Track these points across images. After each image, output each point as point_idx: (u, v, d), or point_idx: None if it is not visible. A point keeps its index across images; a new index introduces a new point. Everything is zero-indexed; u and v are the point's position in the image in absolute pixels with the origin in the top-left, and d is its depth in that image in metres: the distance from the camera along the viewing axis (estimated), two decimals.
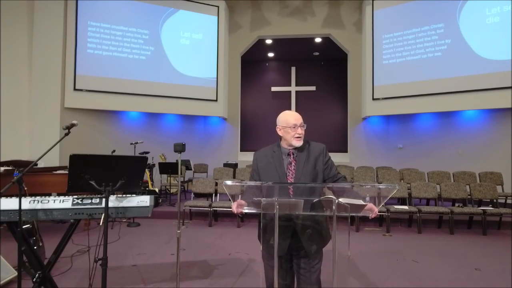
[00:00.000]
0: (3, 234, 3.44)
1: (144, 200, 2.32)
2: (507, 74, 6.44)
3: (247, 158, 9.16)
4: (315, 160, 1.91)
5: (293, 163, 1.91)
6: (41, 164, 5.42)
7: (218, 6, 8.67)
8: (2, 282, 2.86)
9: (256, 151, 2.03)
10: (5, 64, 6.56)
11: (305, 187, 1.83)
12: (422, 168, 7.15)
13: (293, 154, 1.92)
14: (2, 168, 4.16)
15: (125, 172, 2.21)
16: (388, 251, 4.24)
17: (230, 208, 1.90)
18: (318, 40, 9.38)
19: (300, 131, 1.89)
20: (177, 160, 3.19)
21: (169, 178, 7.63)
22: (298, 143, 1.89)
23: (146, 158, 2.42)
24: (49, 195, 2.78)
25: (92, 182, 2.11)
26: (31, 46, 6.86)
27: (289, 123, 1.89)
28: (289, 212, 1.79)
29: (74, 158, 2.12)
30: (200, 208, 5.72)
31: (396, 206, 5.42)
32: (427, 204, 6.29)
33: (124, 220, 5.59)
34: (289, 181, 1.88)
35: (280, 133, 1.95)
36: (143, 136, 7.60)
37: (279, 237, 1.72)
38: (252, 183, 1.76)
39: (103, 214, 2.07)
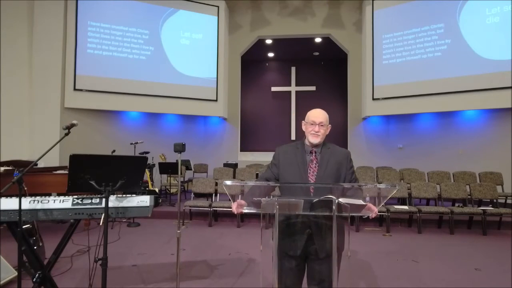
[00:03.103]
0: (3, 234, 3.44)
1: (144, 200, 2.32)
2: (507, 74, 6.44)
3: (247, 158, 9.16)
4: (338, 164, 1.91)
5: (314, 161, 1.92)
6: (41, 164, 5.41)
7: (218, 6, 8.66)
8: (2, 282, 2.85)
9: (278, 146, 2.07)
10: (5, 64, 6.56)
11: (325, 188, 1.78)
12: (422, 168, 7.14)
13: (315, 153, 1.93)
14: (2, 168, 4.16)
15: (125, 172, 2.20)
16: (388, 251, 4.24)
17: (230, 208, 1.90)
18: (318, 40, 9.38)
19: (317, 128, 1.90)
20: (177, 160, 3.19)
21: (169, 178, 7.62)
22: (314, 139, 1.90)
23: (146, 158, 2.42)
24: (49, 195, 2.77)
25: (92, 182, 2.11)
26: (31, 46, 6.86)
27: (308, 119, 1.94)
28: (288, 213, 1.77)
29: (74, 158, 2.12)
30: (200, 208, 5.72)
31: (396, 206, 5.43)
32: (427, 204, 6.29)
33: (124, 220, 5.59)
34: (310, 179, 1.89)
35: (303, 128, 2.01)
36: (143, 136, 7.60)
37: (294, 237, 1.75)
38: (252, 182, 1.78)
39: (103, 214, 2.07)
